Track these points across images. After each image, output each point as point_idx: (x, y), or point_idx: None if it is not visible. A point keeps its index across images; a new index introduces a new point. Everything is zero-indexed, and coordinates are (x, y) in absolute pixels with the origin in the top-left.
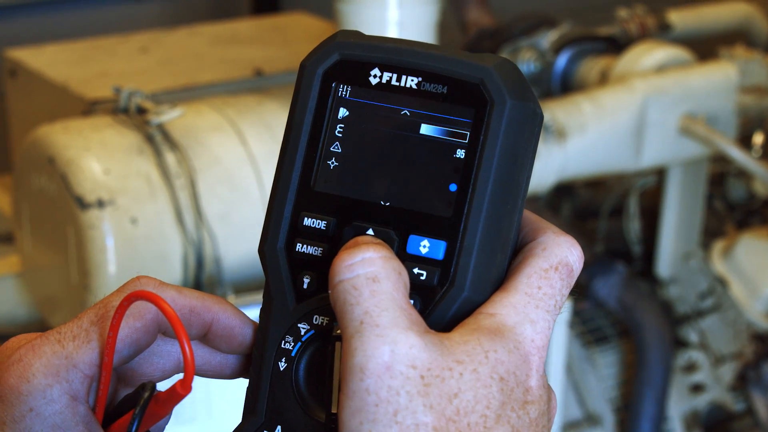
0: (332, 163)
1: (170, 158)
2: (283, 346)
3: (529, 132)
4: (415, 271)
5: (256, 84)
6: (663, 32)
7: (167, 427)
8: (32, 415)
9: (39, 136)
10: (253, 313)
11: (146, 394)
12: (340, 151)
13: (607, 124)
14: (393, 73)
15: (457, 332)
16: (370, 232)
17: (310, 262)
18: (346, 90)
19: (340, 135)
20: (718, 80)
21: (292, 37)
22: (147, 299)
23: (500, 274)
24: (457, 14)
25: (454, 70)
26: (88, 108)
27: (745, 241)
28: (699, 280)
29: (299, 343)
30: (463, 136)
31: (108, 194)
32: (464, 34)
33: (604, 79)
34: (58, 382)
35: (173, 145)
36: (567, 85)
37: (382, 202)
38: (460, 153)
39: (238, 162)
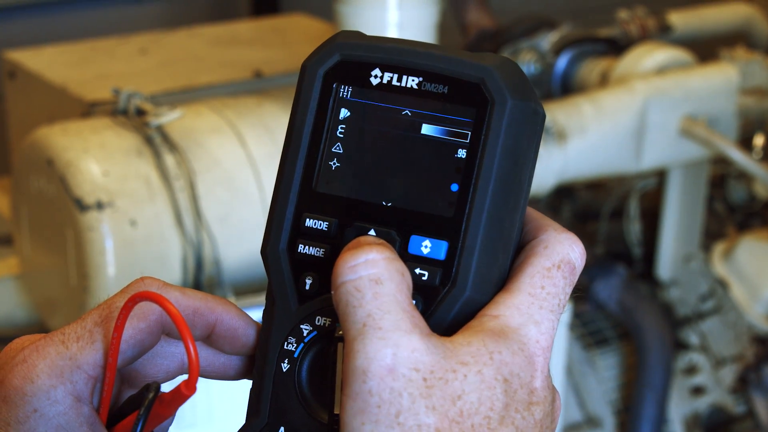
0: (334, 163)
1: (169, 160)
2: (285, 347)
3: (530, 131)
4: (417, 271)
5: (255, 85)
6: (663, 34)
7: (169, 429)
8: (36, 416)
9: (38, 137)
10: (254, 315)
11: (151, 395)
12: (341, 151)
13: (607, 126)
14: (394, 73)
15: (461, 335)
16: (372, 232)
17: (312, 263)
18: (348, 91)
19: (342, 136)
20: (719, 82)
21: (292, 39)
22: (152, 300)
23: (502, 274)
24: (457, 15)
25: (455, 70)
26: (87, 110)
27: (746, 243)
28: (699, 282)
29: (302, 345)
30: (465, 136)
31: (107, 196)
32: (464, 36)
33: (604, 81)
34: (62, 383)
35: (172, 146)
36: (567, 87)
37: (383, 203)
38: (462, 153)
39: (237, 164)
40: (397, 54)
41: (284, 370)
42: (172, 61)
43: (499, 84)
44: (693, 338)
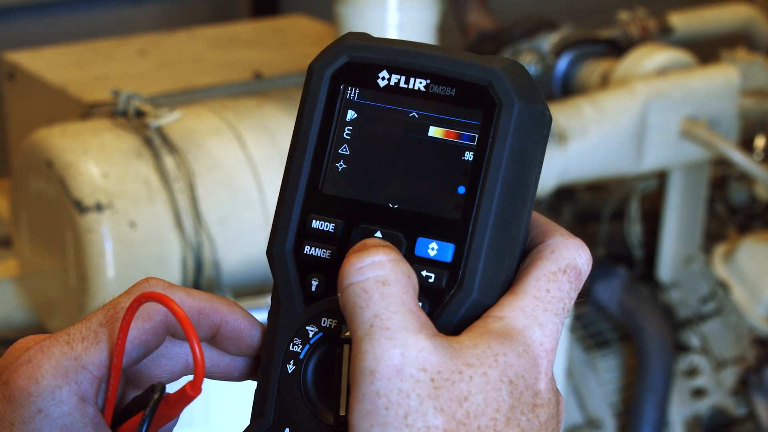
0: (340, 165)
1: (169, 162)
2: (291, 348)
3: (537, 134)
4: (424, 273)
5: (255, 87)
6: (664, 35)
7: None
8: (41, 416)
9: (37, 139)
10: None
11: (156, 396)
12: (348, 153)
13: (608, 128)
14: (401, 75)
15: (467, 335)
16: (379, 234)
17: (318, 264)
18: (355, 92)
19: (349, 137)
20: (720, 83)
21: (292, 40)
22: (157, 301)
23: (508, 277)
24: (457, 16)
25: (463, 73)
26: (87, 111)
27: (747, 245)
28: (700, 284)
29: (307, 346)
30: (472, 139)
31: (106, 198)
32: (464, 37)
33: (605, 82)
34: (67, 383)
35: (172, 148)
36: (568, 88)
37: (390, 205)
38: (469, 155)
39: (237, 165)
40: (404, 56)
41: (290, 371)
42: (172, 62)
43: (506, 87)
44: (694, 340)
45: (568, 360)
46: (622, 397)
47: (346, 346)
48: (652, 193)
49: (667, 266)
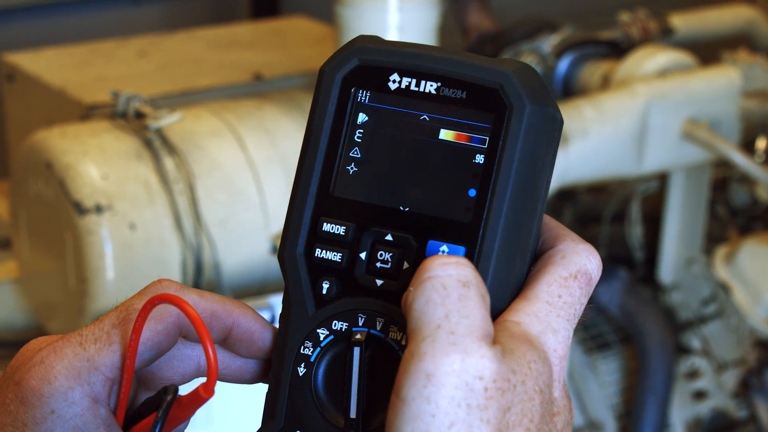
0: (351, 168)
1: (169, 163)
2: (302, 351)
3: (548, 137)
4: None
5: (255, 88)
6: (665, 36)
7: None
8: (54, 417)
9: (36, 140)
10: None
11: (169, 398)
12: (359, 156)
13: (609, 129)
14: (412, 78)
15: (499, 341)
16: (389, 237)
17: (329, 267)
18: (366, 95)
19: (360, 140)
20: (721, 85)
21: (292, 41)
22: (171, 302)
23: (519, 281)
24: (457, 18)
25: (474, 75)
26: (86, 112)
27: (748, 247)
28: (701, 286)
29: (318, 349)
30: (483, 141)
31: (106, 199)
32: (465, 38)
33: (606, 84)
34: (79, 384)
35: (172, 150)
36: (569, 90)
37: (401, 208)
38: (480, 158)
39: (237, 167)
40: (415, 59)
41: (300, 374)
42: (172, 63)
43: (517, 89)
44: (695, 342)
45: (569, 362)
46: (623, 399)
47: (356, 349)
48: (653, 195)
49: (668, 268)
